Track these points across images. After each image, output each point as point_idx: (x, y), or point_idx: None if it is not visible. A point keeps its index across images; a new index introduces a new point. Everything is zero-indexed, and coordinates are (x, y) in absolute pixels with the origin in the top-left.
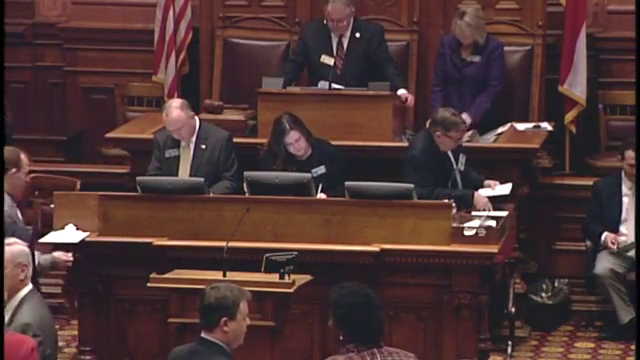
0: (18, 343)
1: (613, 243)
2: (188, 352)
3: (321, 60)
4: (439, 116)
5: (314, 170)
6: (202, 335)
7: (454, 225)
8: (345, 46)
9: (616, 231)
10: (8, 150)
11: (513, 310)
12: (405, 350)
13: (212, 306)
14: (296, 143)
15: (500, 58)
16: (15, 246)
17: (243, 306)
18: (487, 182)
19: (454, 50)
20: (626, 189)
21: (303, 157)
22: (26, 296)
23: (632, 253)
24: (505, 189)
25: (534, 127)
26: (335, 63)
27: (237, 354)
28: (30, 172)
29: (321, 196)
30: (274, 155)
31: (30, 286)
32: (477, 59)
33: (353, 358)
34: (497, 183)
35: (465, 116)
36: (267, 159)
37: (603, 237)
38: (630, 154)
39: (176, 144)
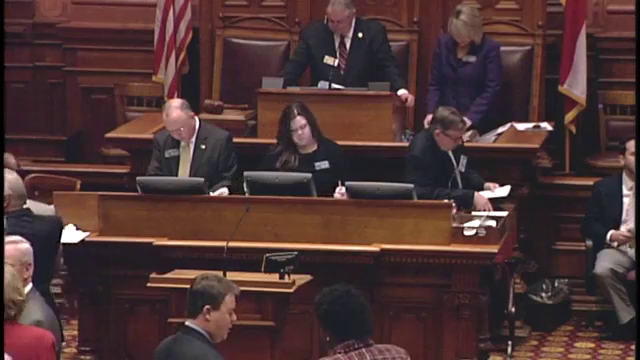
0: (39, 336)
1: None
2: (170, 341)
3: (324, 61)
4: (438, 114)
5: (318, 164)
6: (185, 323)
7: (454, 225)
8: (348, 46)
9: None
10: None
11: (513, 310)
12: (406, 350)
13: (198, 292)
14: (301, 130)
15: (497, 60)
16: (22, 244)
17: (229, 299)
18: (487, 184)
19: (450, 50)
20: (626, 189)
21: (306, 149)
22: (29, 294)
23: (632, 253)
24: (504, 191)
25: (534, 127)
26: (338, 63)
27: (237, 354)
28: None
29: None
30: (278, 142)
31: (31, 285)
32: (473, 59)
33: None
34: (497, 185)
35: (464, 119)
36: (274, 153)
37: (609, 235)
38: (632, 144)
39: (176, 144)
